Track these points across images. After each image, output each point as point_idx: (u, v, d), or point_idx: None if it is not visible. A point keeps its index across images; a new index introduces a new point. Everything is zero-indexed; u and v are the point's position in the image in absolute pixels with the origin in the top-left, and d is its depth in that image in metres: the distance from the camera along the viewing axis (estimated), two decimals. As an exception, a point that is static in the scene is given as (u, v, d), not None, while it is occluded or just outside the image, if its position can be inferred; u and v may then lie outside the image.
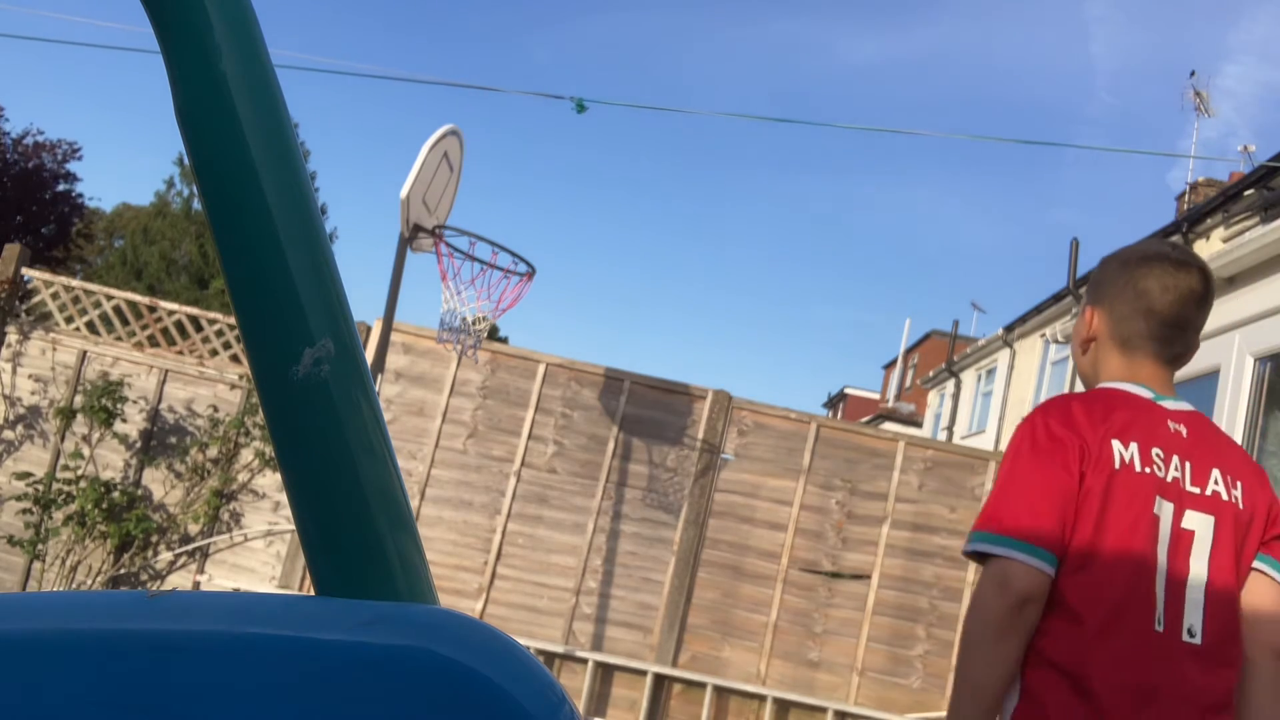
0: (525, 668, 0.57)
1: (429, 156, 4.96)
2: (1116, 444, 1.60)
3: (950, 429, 20.84)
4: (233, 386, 6.28)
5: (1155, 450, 1.61)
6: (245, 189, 0.59)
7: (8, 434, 6.25)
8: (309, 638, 0.56)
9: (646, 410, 6.41)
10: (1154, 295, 1.71)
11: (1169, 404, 1.70)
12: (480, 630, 0.59)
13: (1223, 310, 4.86)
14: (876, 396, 39.34)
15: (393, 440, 0.90)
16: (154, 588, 5.36)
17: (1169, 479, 1.60)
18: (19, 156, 18.42)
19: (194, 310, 6.40)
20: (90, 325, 6.37)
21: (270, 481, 6.24)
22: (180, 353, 6.32)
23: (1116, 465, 1.58)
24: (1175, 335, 1.72)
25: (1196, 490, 1.62)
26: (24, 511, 5.91)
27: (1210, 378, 4.88)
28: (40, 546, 5.98)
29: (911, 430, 24.00)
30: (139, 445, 6.22)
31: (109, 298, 6.39)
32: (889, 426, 21.22)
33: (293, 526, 2.69)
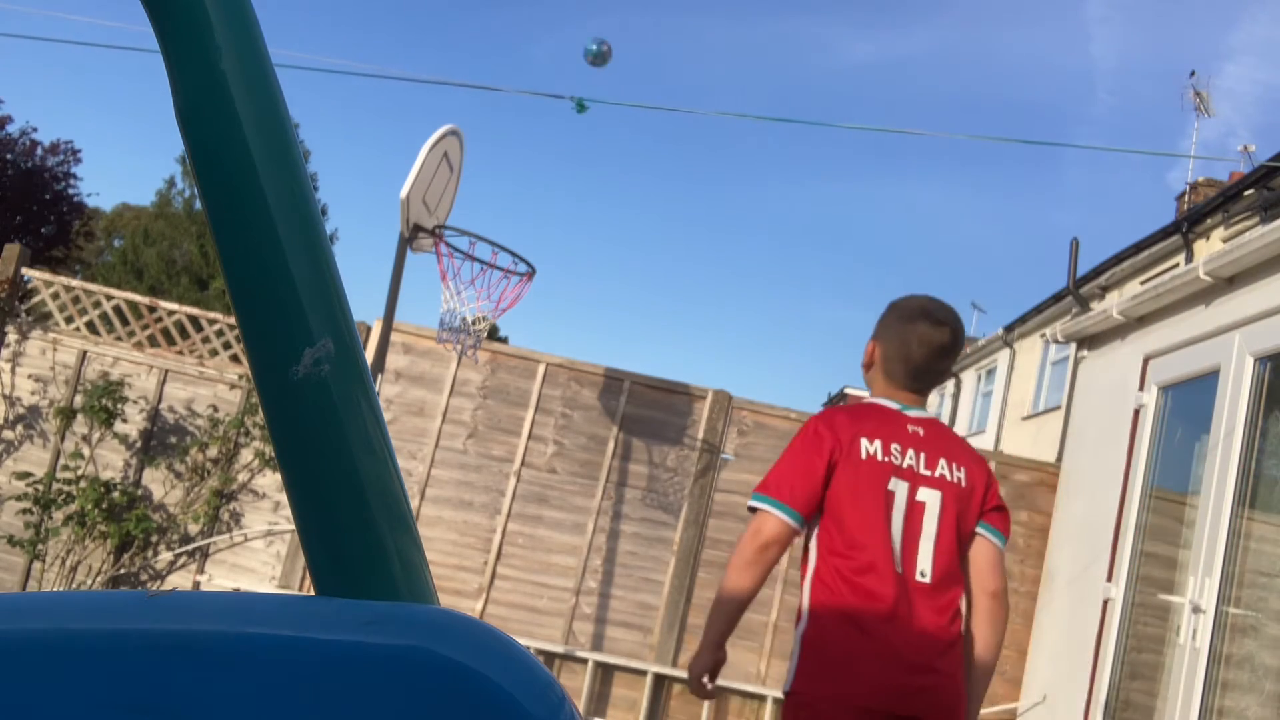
0: (525, 668, 0.57)
1: (429, 156, 4.96)
2: (864, 441, 2.31)
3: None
4: (233, 386, 6.29)
5: (894, 445, 2.32)
6: (245, 189, 0.59)
7: (8, 434, 6.25)
8: (309, 638, 0.56)
9: (646, 410, 6.41)
10: (912, 348, 2.40)
11: (912, 413, 2.42)
12: (480, 630, 0.59)
13: (1223, 310, 4.86)
14: (876, 396, 39.27)
15: (393, 440, 0.90)
16: (154, 588, 5.36)
17: (904, 466, 2.31)
18: (19, 156, 18.42)
19: (194, 310, 6.40)
20: (90, 325, 6.37)
21: (270, 481, 6.24)
22: (180, 353, 6.32)
23: (863, 456, 2.30)
24: (923, 376, 2.44)
25: (928, 473, 2.33)
26: (24, 511, 5.91)
27: (1210, 378, 4.88)
28: (40, 546, 5.98)
29: (911, 430, 23.92)
30: (139, 445, 6.22)
31: (109, 298, 6.39)
32: (889, 426, 21.13)
33: (293, 526, 2.69)
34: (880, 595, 2.22)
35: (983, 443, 17.77)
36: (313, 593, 0.61)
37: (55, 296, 6.36)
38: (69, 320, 6.37)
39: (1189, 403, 5.29)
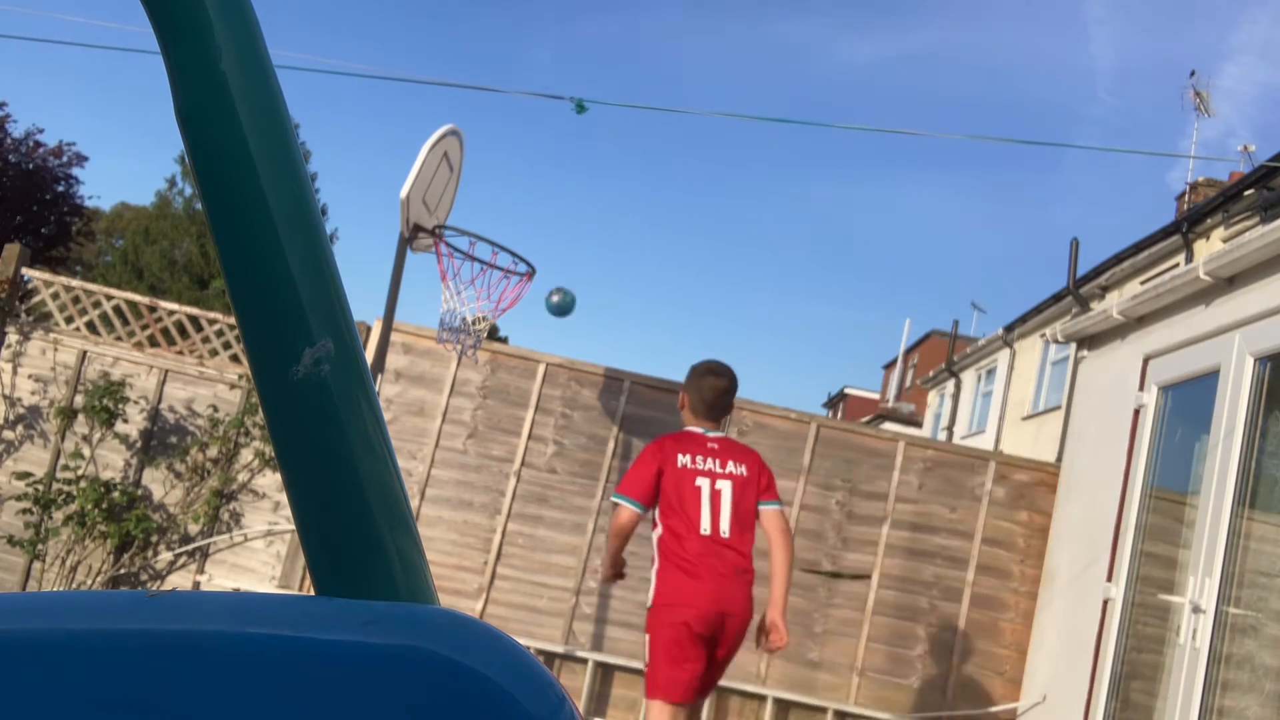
0: (525, 668, 0.57)
1: (429, 156, 4.96)
2: (681, 455, 3.87)
3: (950, 429, 20.85)
4: (233, 386, 6.28)
5: (698, 456, 3.88)
6: (245, 189, 0.59)
7: (8, 434, 6.25)
8: (309, 637, 0.56)
9: (647, 410, 6.41)
10: (705, 393, 4.00)
11: (711, 434, 4.00)
12: (480, 630, 0.59)
13: (1223, 310, 4.86)
14: (876, 396, 39.35)
15: (393, 440, 0.90)
16: (154, 588, 5.35)
17: (706, 469, 3.85)
18: (21, 157, 18.42)
19: (194, 310, 6.39)
20: (90, 325, 6.37)
21: (270, 481, 6.24)
22: (180, 353, 6.32)
23: (679, 465, 3.85)
24: (714, 409, 4.02)
25: (723, 471, 3.86)
26: (24, 511, 5.91)
27: (1210, 378, 4.87)
28: (40, 546, 5.98)
29: (911, 430, 24.00)
30: (139, 445, 6.22)
31: (109, 298, 6.39)
32: (889, 426, 21.21)
33: (293, 526, 2.69)
34: (695, 550, 3.75)
35: (983, 442, 17.76)
36: (313, 593, 0.61)
37: (55, 296, 6.36)
38: (69, 320, 6.37)
39: (1189, 403, 5.29)
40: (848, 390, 41.53)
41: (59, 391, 6.25)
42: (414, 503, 6.20)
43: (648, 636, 3.85)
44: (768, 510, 3.92)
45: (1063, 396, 13.57)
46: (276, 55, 0.63)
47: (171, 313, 6.38)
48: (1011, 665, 6.27)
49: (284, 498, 4.51)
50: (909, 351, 33.26)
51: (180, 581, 6.18)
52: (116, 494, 6.02)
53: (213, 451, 6.18)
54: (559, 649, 6.10)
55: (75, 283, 6.42)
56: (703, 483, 3.81)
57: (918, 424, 26.74)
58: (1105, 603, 5.46)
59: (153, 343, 6.36)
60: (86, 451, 6.13)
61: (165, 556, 6.16)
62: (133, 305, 6.45)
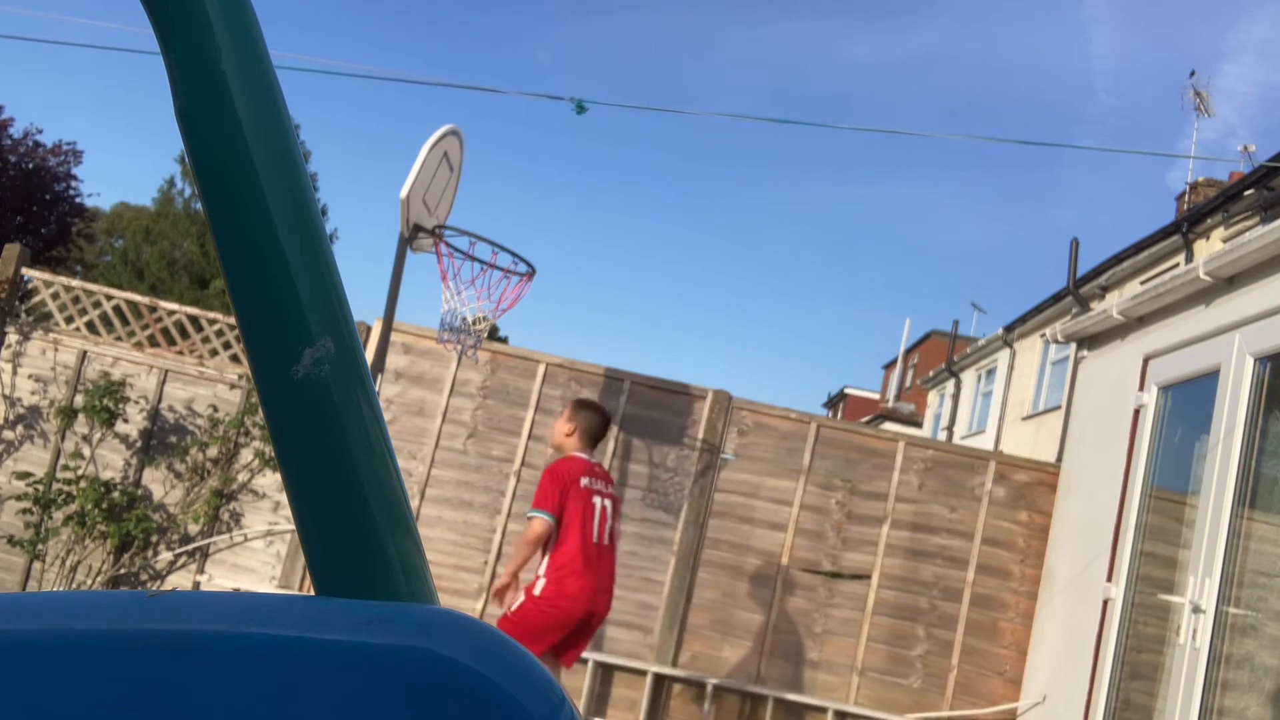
0: (525, 668, 0.57)
1: (429, 156, 4.96)
2: (583, 478, 4.51)
3: (950, 429, 20.85)
4: (233, 386, 6.28)
5: (589, 479, 4.53)
6: (245, 189, 0.59)
7: (8, 434, 6.25)
8: (309, 638, 0.56)
9: (646, 410, 6.41)
10: (589, 424, 4.65)
11: (592, 460, 4.63)
12: (480, 630, 0.59)
13: (1223, 310, 4.85)
14: (876, 396, 39.34)
15: (393, 440, 0.90)
16: (154, 588, 5.35)
17: (594, 488, 4.54)
18: (20, 157, 18.41)
19: (194, 310, 6.39)
20: (90, 325, 6.37)
21: (270, 481, 6.24)
22: (180, 353, 6.32)
23: (581, 485, 4.49)
24: (594, 438, 4.67)
25: (604, 490, 4.59)
26: (24, 511, 5.91)
27: (1210, 378, 4.87)
28: (40, 546, 5.98)
29: (911, 430, 24.00)
30: (139, 445, 6.22)
31: (109, 298, 6.39)
32: (889, 426, 21.21)
33: (293, 526, 2.69)
34: (586, 555, 4.41)
35: (983, 442, 17.77)
36: (313, 593, 0.61)
37: (55, 296, 6.36)
38: (69, 320, 6.36)
39: (1189, 403, 5.29)
40: (848, 390, 41.53)
41: (59, 391, 6.25)
42: (414, 503, 6.19)
43: (524, 614, 4.44)
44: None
45: (1063, 396, 13.58)
46: (276, 55, 0.63)
47: (171, 313, 6.38)
48: (1011, 665, 6.27)
49: (284, 498, 4.51)
50: (909, 351, 33.26)
51: (180, 581, 6.18)
52: (116, 494, 6.02)
53: (213, 451, 6.18)
54: (559, 649, 6.09)
55: (75, 283, 6.42)
56: (594, 500, 4.54)
57: (918, 424, 26.74)
58: (1105, 603, 5.46)
59: (153, 343, 6.36)
60: (86, 451, 6.13)
61: (165, 556, 6.16)
62: (133, 305, 6.45)
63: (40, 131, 19.02)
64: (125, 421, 6.12)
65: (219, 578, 6.16)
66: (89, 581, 6.04)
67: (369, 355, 5.56)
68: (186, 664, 0.54)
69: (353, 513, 0.60)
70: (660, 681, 6.16)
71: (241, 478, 6.22)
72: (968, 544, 6.34)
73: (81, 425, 6.14)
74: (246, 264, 0.60)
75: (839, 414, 40.40)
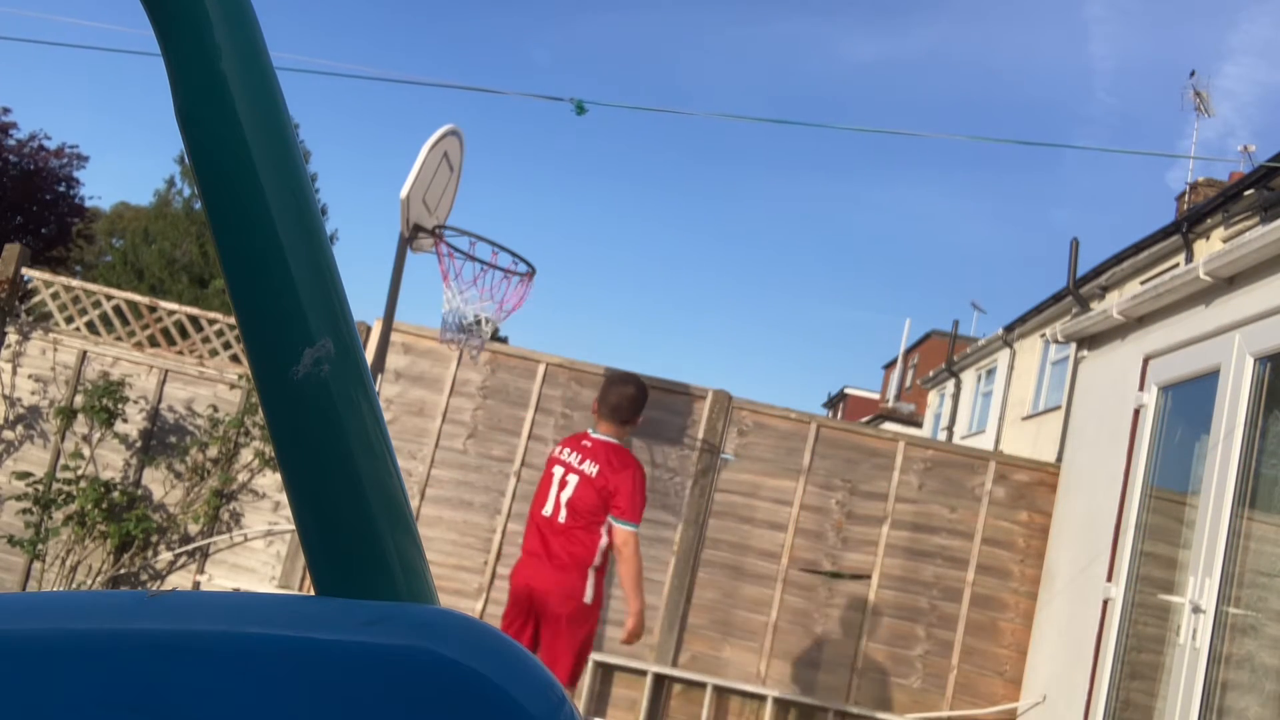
0: (525, 668, 0.57)
1: (429, 156, 4.96)
2: (562, 450, 4.35)
3: (950, 429, 20.85)
4: (233, 386, 6.28)
5: (570, 451, 4.32)
6: (245, 189, 0.59)
7: (8, 434, 6.25)
8: (309, 638, 0.56)
9: (646, 410, 6.39)
10: (609, 398, 4.34)
11: (595, 435, 4.35)
12: (480, 630, 0.59)
13: (1223, 310, 4.85)
14: (876, 396, 39.34)
15: (393, 440, 0.90)
16: (154, 588, 5.35)
17: (569, 461, 4.26)
18: (23, 159, 18.42)
19: (194, 310, 6.39)
20: (90, 325, 6.37)
21: (270, 481, 6.24)
22: (180, 353, 6.32)
23: (555, 455, 4.37)
24: (612, 410, 4.35)
25: (579, 467, 4.23)
26: (24, 511, 5.91)
27: (1210, 378, 4.87)
28: (40, 546, 5.98)
29: (911, 430, 24.00)
30: (139, 445, 6.21)
31: (109, 298, 6.39)
32: (889, 426, 21.20)
33: (293, 526, 2.69)
34: (539, 529, 4.23)
35: (983, 442, 17.76)
36: (313, 593, 0.61)
37: (55, 296, 6.36)
38: (69, 320, 6.36)
39: (1189, 403, 5.29)
40: (848, 390, 41.52)
41: (59, 391, 6.25)
42: (414, 503, 6.19)
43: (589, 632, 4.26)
44: (614, 527, 4.17)
45: (1063, 396, 13.57)
46: (276, 55, 0.63)
47: (171, 313, 6.38)
48: (1011, 665, 6.27)
49: (284, 498, 4.51)
50: (909, 351, 33.26)
51: (180, 581, 6.18)
52: (116, 494, 6.02)
53: (213, 451, 6.18)
54: (559, 649, 6.09)
55: (75, 283, 6.42)
56: (556, 471, 4.29)
57: (918, 424, 26.74)
58: (1105, 603, 5.45)
59: (153, 343, 6.35)
60: (86, 451, 6.13)
61: (165, 556, 6.16)
62: (133, 305, 6.45)
63: (49, 137, 19.04)
64: (125, 421, 6.12)
65: (219, 578, 6.16)
66: (89, 581, 6.04)
67: (369, 355, 5.56)
68: (186, 664, 0.54)
69: (353, 513, 0.60)
70: (660, 681, 6.16)
71: (241, 478, 6.22)
72: (968, 544, 6.34)
73: (81, 425, 6.13)
74: (246, 264, 0.60)
75: (839, 414, 40.40)
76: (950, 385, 21.67)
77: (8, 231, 17.86)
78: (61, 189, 19.42)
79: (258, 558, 6.22)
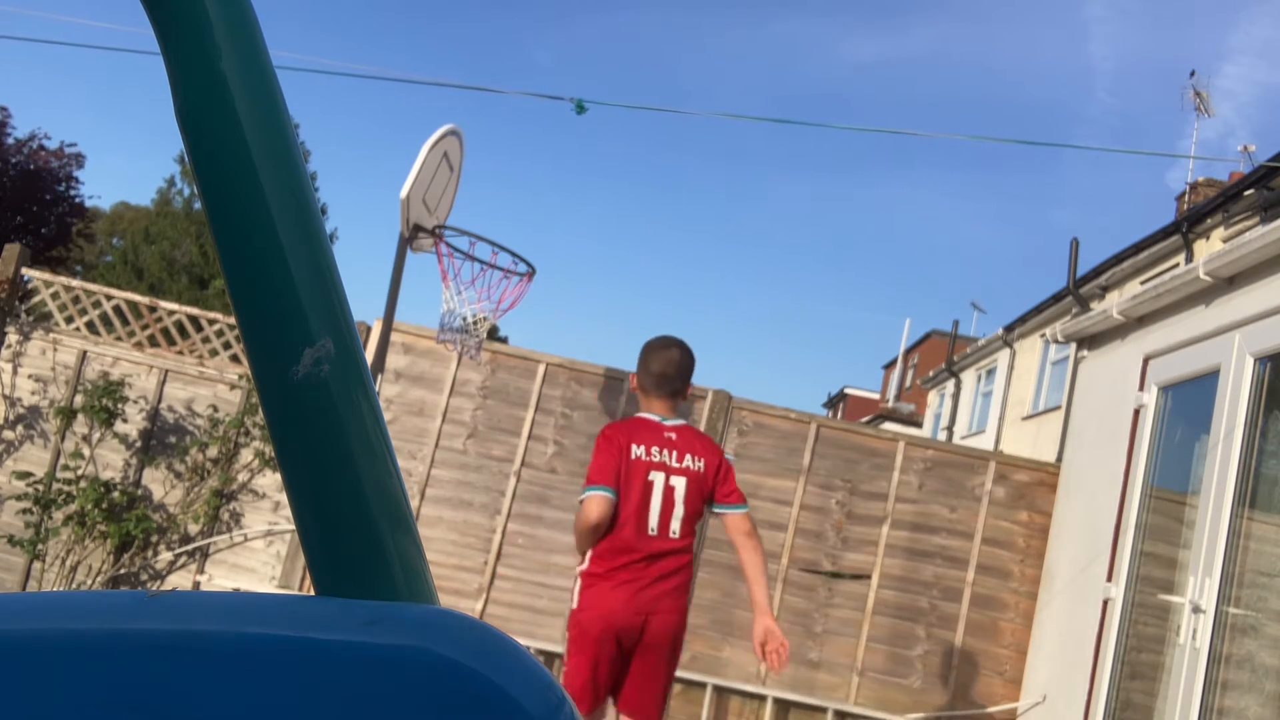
0: (525, 668, 0.57)
1: (429, 156, 4.96)
2: (634, 445, 3.43)
3: (950, 429, 20.84)
4: (233, 386, 6.28)
5: (654, 448, 3.45)
6: (245, 189, 0.59)
7: (8, 434, 6.25)
8: (309, 638, 0.56)
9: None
10: (651, 366, 3.55)
11: (668, 423, 3.54)
12: (480, 630, 0.59)
13: (1223, 310, 4.86)
14: (876, 396, 39.33)
15: (393, 440, 0.90)
16: (154, 588, 5.35)
17: (659, 461, 3.43)
18: (23, 158, 18.42)
19: (194, 310, 6.39)
20: (90, 325, 6.37)
21: (270, 481, 6.24)
22: (180, 353, 6.32)
23: (633, 456, 3.41)
24: (665, 383, 3.54)
25: (678, 465, 3.44)
26: (24, 511, 5.91)
27: (1210, 378, 4.87)
28: (40, 546, 5.98)
29: (911, 430, 23.99)
30: (139, 445, 6.21)
31: (109, 298, 6.39)
32: (889, 426, 21.20)
33: (293, 526, 2.69)
34: (637, 546, 3.38)
35: (983, 442, 17.76)
36: (313, 593, 0.61)
37: (55, 296, 6.36)
38: (69, 320, 6.36)
39: (1189, 403, 5.28)
40: (848, 390, 41.52)
41: (59, 391, 6.25)
42: (414, 503, 6.19)
43: (569, 641, 3.56)
44: (729, 515, 3.55)
45: (1063, 396, 13.57)
46: (276, 55, 0.63)
47: (171, 313, 6.38)
48: (1011, 665, 6.27)
49: (284, 498, 4.51)
50: (909, 351, 33.26)
51: (180, 581, 6.17)
52: (116, 494, 6.02)
53: (213, 451, 6.17)
54: (559, 649, 6.09)
55: (75, 283, 6.42)
56: (657, 478, 3.43)
57: (918, 424, 26.73)
58: (1105, 603, 5.45)
59: (153, 343, 6.35)
60: (86, 451, 6.13)
61: (165, 556, 6.16)
62: (133, 305, 6.45)
63: (48, 136, 19.04)
64: (125, 421, 6.12)
65: (219, 578, 6.16)
66: (89, 581, 6.04)
67: (369, 355, 5.56)
68: (186, 664, 0.54)
69: (353, 513, 0.60)
70: (660, 681, 6.16)
71: (241, 478, 6.22)
72: (968, 544, 6.33)
73: (81, 425, 6.13)
74: (246, 264, 0.60)
75: (839, 414, 40.39)
76: (950, 385, 21.67)
77: (8, 231, 17.86)
78: (61, 189, 19.42)
79: (258, 558, 6.21)
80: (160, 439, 6.24)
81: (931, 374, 23.82)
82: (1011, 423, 17.14)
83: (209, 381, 6.30)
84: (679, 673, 6.12)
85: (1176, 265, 11.83)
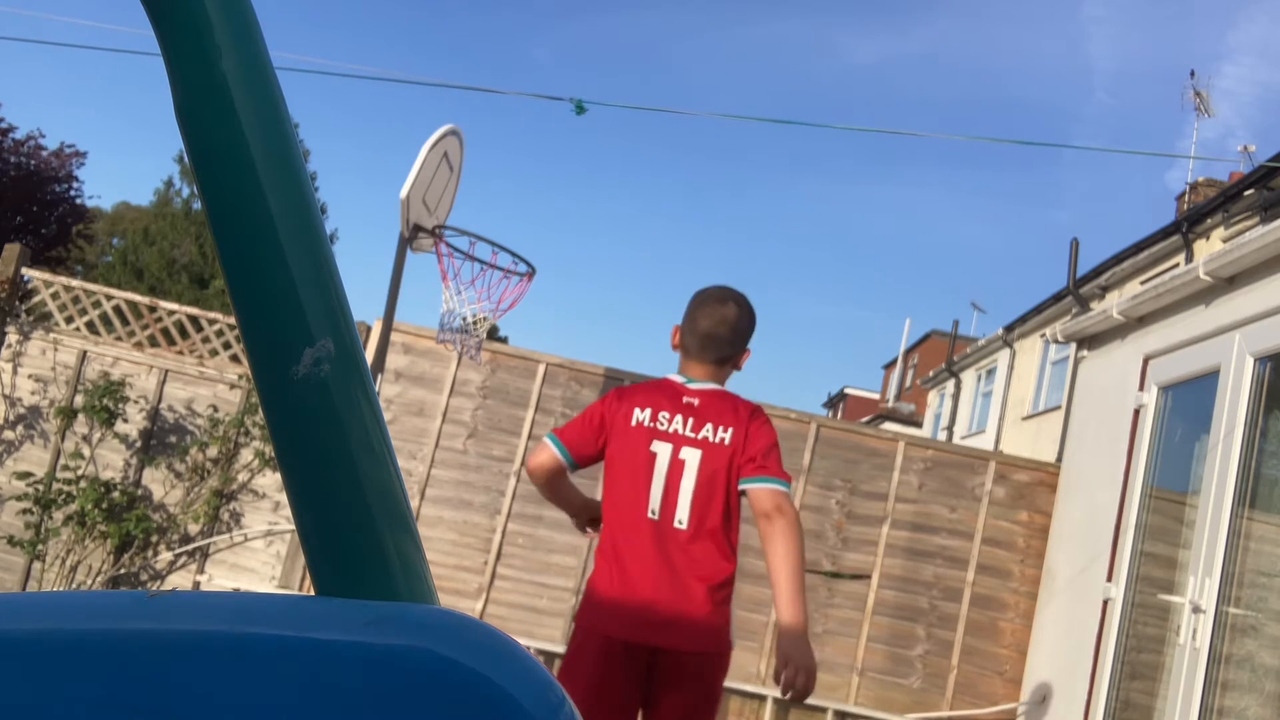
0: (525, 668, 0.57)
1: (429, 156, 4.96)
2: (636, 410, 2.68)
3: (950, 429, 20.84)
4: (233, 386, 6.28)
5: (663, 413, 2.67)
6: (245, 189, 0.59)
7: (8, 434, 6.25)
8: (309, 638, 0.56)
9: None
10: (698, 322, 2.74)
11: (693, 385, 2.74)
12: (480, 630, 0.59)
13: (1223, 310, 4.86)
14: (876, 396, 39.33)
15: (393, 440, 0.90)
16: (154, 588, 5.35)
17: (666, 430, 2.65)
18: (23, 158, 18.42)
19: (194, 310, 6.39)
20: (90, 325, 6.37)
21: (270, 481, 6.24)
22: (180, 353, 6.32)
23: (632, 423, 2.67)
24: (709, 344, 2.74)
25: (693, 435, 2.65)
26: (24, 511, 5.91)
27: (1210, 378, 4.87)
28: (40, 546, 5.98)
29: (911, 430, 23.99)
30: (139, 445, 6.21)
31: (109, 298, 6.39)
32: (889, 426, 21.19)
33: (293, 526, 2.68)
34: (635, 538, 2.63)
35: (983, 442, 17.76)
36: (313, 593, 0.61)
37: (55, 296, 6.36)
38: (69, 320, 6.36)
39: (1189, 403, 5.29)
40: (848, 390, 41.51)
41: (59, 391, 6.25)
42: (414, 503, 6.19)
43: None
44: (754, 489, 2.65)
45: (1063, 396, 13.57)
46: (276, 55, 0.63)
47: (171, 313, 6.38)
48: (1011, 665, 6.27)
49: (284, 498, 4.51)
50: (909, 351, 33.26)
51: (180, 581, 6.17)
52: (116, 494, 6.02)
53: (213, 451, 6.17)
54: (559, 649, 6.09)
55: (75, 283, 6.42)
56: (662, 449, 2.65)
57: (918, 424, 26.73)
58: (1105, 603, 5.45)
59: (153, 343, 6.35)
60: (86, 451, 6.13)
61: (165, 556, 6.16)
62: (133, 305, 6.45)
63: (44, 135, 19.04)
64: (125, 421, 6.12)
65: (219, 578, 6.16)
66: (89, 581, 6.04)
67: (369, 355, 5.56)
68: (186, 664, 0.54)
69: (353, 513, 0.60)
70: (660, 681, 6.16)
71: (241, 478, 6.22)
72: (968, 544, 6.34)
73: (81, 425, 6.13)
74: (246, 264, 0.60)
75: (839, 414, 40.39)
76: (950, 385, 21.66)
77: (8, 231, 17.86)
78: (61, 189, 19.42)
79: (258, 558, 6.21)
80: (160, 439, 6.24)
81: (931, 374, 23.82)
82: (1011, 423, 17.13)
83: (209, 381, 6.30)
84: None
85: (1176, 265, 11.83)
